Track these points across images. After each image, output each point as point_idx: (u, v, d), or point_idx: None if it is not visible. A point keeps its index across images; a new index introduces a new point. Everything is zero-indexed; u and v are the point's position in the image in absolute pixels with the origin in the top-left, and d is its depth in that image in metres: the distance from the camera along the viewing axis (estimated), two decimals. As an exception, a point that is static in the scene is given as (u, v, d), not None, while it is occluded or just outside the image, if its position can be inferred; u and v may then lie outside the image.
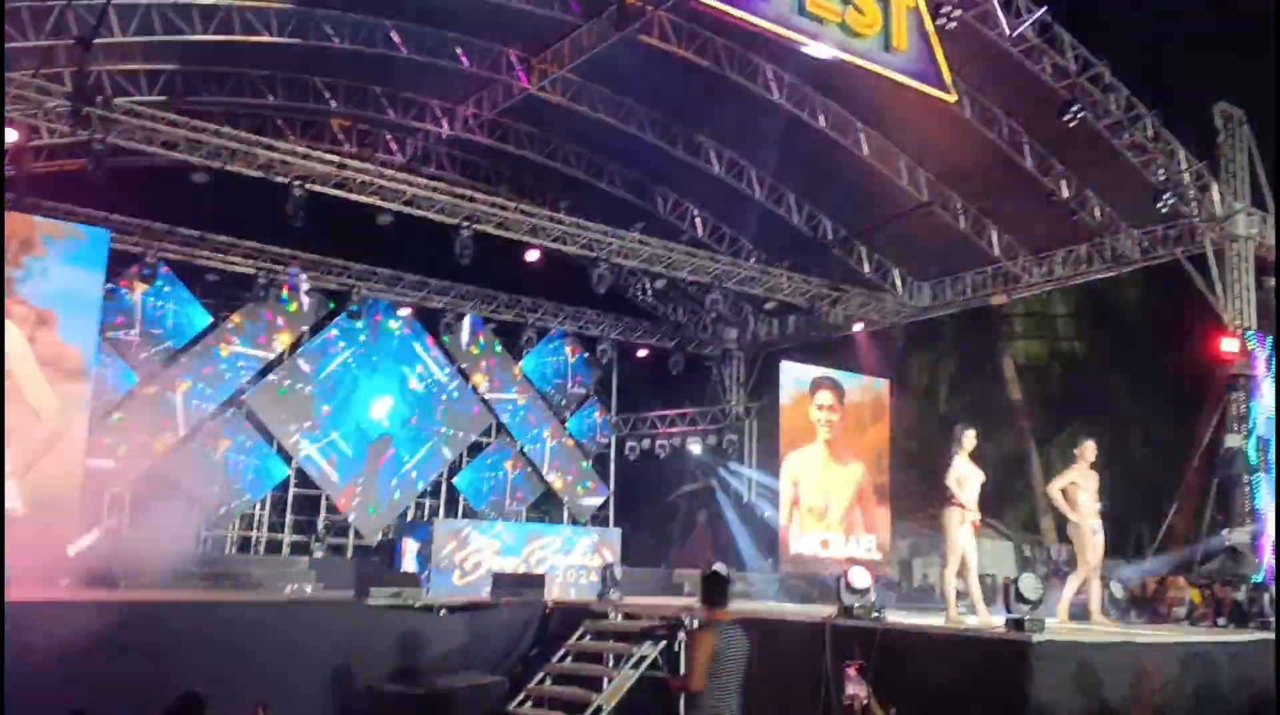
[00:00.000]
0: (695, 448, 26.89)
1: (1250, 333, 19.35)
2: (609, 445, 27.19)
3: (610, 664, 11.86)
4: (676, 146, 21.33)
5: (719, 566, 13.63)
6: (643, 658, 11.56)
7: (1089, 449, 12.72)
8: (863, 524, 24.58)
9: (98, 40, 15.24)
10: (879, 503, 24.96)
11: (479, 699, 11.65)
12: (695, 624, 7.84)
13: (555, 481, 25.72)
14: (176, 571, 12.96)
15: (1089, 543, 12.24)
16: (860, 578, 11.34)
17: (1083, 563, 12.28)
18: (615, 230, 21.68)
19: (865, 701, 9.25)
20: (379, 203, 19.10)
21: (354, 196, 18.87)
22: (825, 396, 24.53)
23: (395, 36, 18.05)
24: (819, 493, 24.13)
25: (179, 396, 20.64)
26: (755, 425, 27.20)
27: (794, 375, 24.70)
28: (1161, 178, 18.79)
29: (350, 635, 11.62)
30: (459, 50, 18.58)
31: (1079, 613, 12.44)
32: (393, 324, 23.65)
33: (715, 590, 7.86)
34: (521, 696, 12.00)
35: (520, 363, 25.74)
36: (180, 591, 12.46)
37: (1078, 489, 12.54)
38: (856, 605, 11.08)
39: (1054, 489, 12.71)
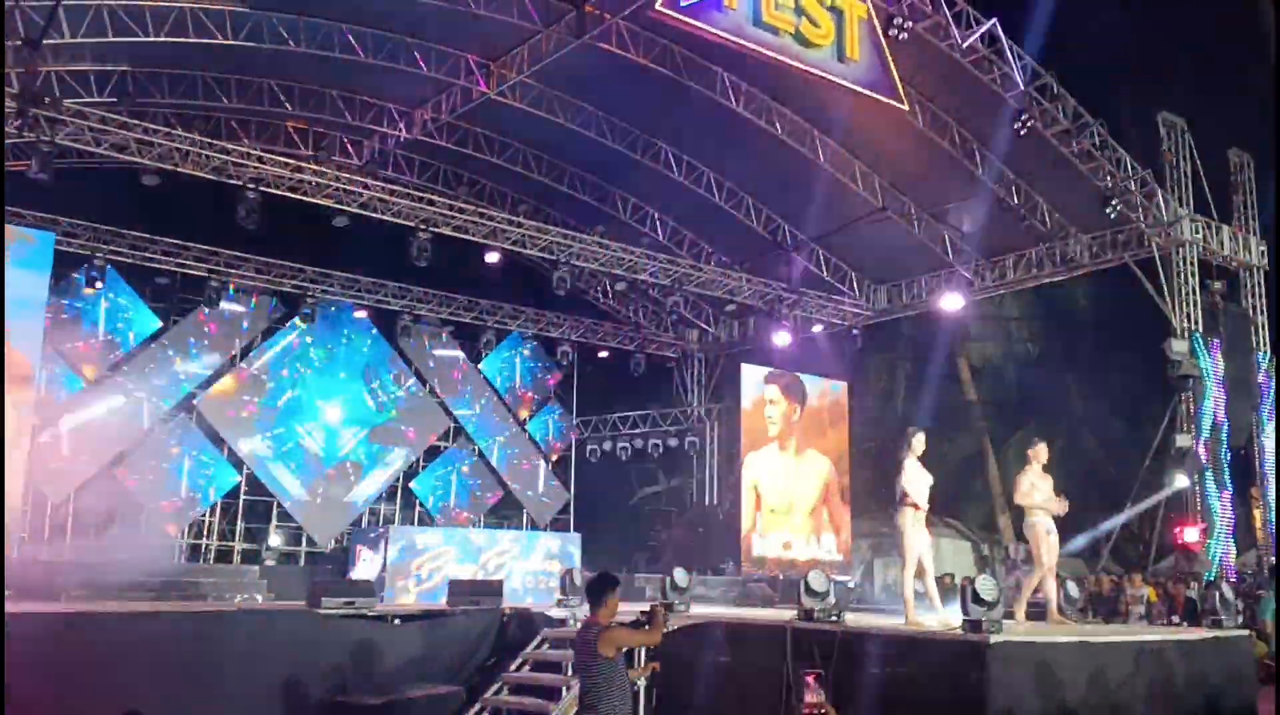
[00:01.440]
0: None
1: (1197, 335, 19.78)
2: (570, 448, 27.05)
3: (569, 673, 11.60)
4: (636, 151, 21.41)
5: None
6: (602, 665, 11.40)
7: (1041, 451, 12.55)
8: (829, 524, 24.78)
9: (46, 41, 15.03)
10: (842, 503, 25.17)
11: (434, 710, 11.47)
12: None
13: (515, 485, 25.53)
14: (123, 583, 12.67)
15: (1044, 542, 12.14)
16: (819, 581, 11.25)
17: (1039, 562, 12.20)
18: (575, 233, 21.70)
19: (824, 710, 9.25)
20: (334, 206, 19.00)
21: (309, 199, 18.77)
22: (771, 391, 24.78)
23: (352, 40, 17.94)
24: (782, 492, 24.28)
25: (127, 402, 20.32)
26: (716, 427, 27.23)
27: (754, 377, 24.85)
28: (1108, 184, 19.19)
29: (302, 646, 11.35)
30: (417, 55, 18.49)
31: (1037, 612, 12.51)
32: (348, 327, 23.41)
33: (592, 593, 7.80)
34: (478, 707, 11.77)
35: (479, 365, 25.55)
36: (125, 603, 12.17)
37: (1034, 490, 12.38)
38: (817, 608, 10.91)
39: (1024, 499, 12.55)
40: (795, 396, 25.41)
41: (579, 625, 7.86)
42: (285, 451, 22.10)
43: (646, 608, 8.13)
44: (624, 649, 7.52)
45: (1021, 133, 17.94)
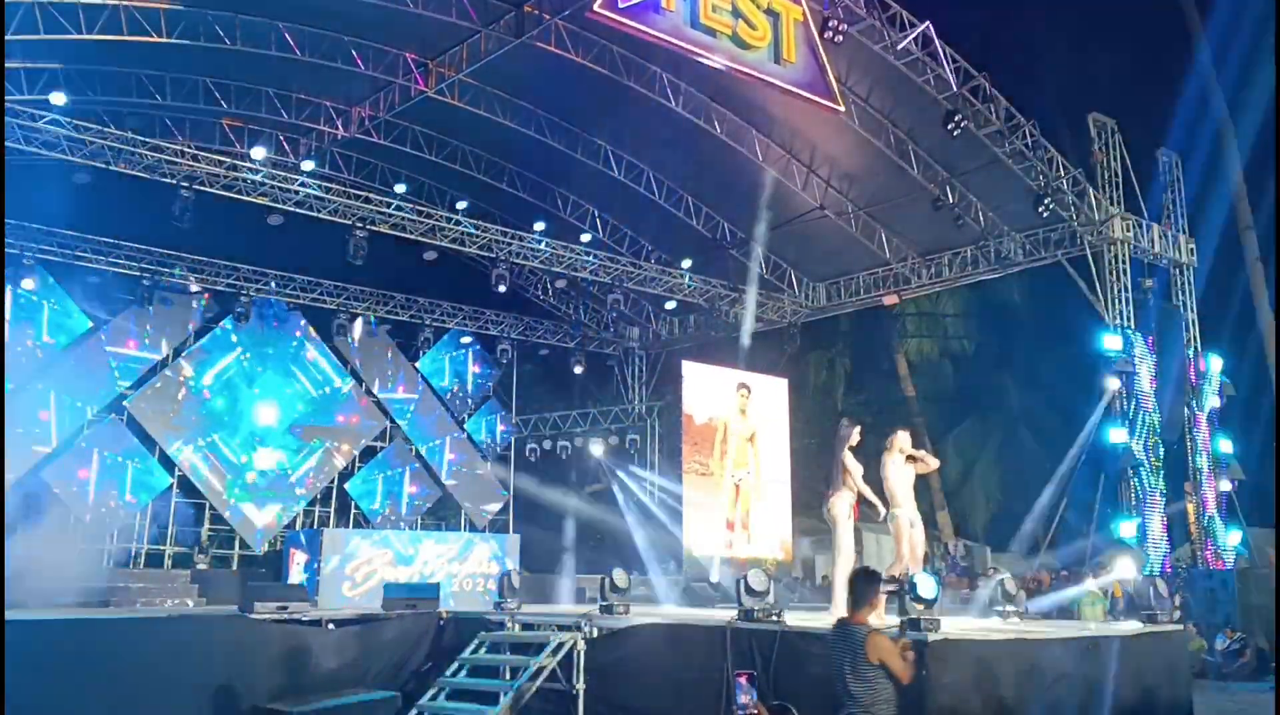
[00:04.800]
0: (596, 449, 26.64)
1: (1130, 330, 20.11)
2: (509, 447, 26.92)
3: (507, 676, 11.59)
4: (576, 150, 21.49)
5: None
6: (540, 669, 11.27)
7: (902, 439, 12.20)
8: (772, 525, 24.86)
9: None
10: (780, 501, 25.25)
11: (369, 716, 11.44)
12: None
13: (453, 486, 25.34)
14: (50, 589, 12.45)
15: (905, 535, 11.96)
16: (759, 580, 11.23)
17: (899, 557, 11.97)
18: (515, 231, 21.67)
19: (755, 711, 9.23)
20: (270, 204, 18.87)
21: (244, 197, 18.61)
22: (741, 399, 24.80)
23: (289, 38, 17.82)
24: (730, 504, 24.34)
25: (55, 403, 19.95)
26: (657, 425, 27.25)
27: (695, 375, 24.86)
28: (1041, 184, 19.48)
29: (234, 652, 11.28)
30: (354, 53, 18.42)
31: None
32: (283, 326, 23.14)
33: (857, 591, 7.57)
34: (414, 713, 11.69)
35: (417, 364, 25.36)
36: (52, 609, 11.95)
37: (898, 480, 12.09)
38: (756, 608, 10.92)
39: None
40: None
41: (835, 623, 7.55)
42: (218, 453, 21.78)
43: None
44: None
45: (955, 133, 18.17)
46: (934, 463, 12.25)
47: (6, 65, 17.04)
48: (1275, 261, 25.08)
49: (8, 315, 19.49)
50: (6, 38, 15.60)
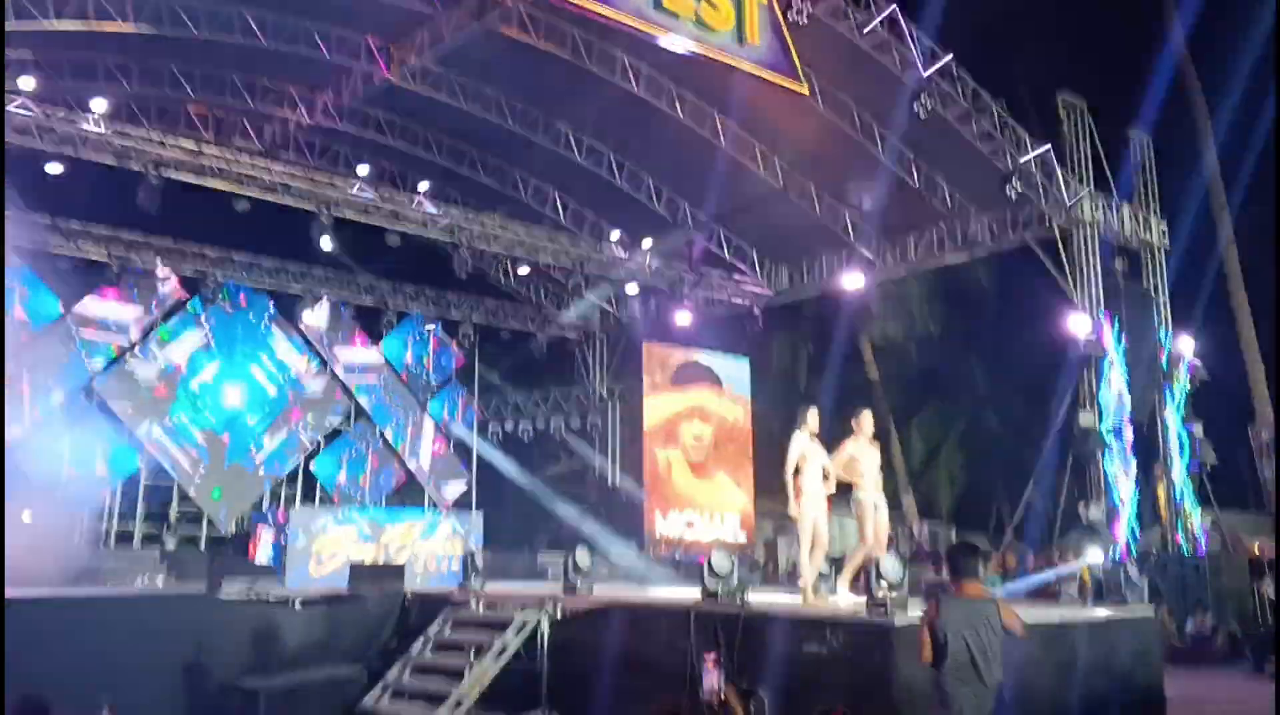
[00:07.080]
0: None
1: (1100, 312, 20.04)
2: (471, 428, 27.04)
3: (472, 655, 11.65)
4: (537, 133, 21.57)
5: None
6: (504, 647, 11.46)
7: (865, 421, 11.86)
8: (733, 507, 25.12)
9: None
10: (742, 484, 25.52)
11: (335, 692, 11.59)
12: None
13: (416, 466, 25.52)
14: (20, 568, 12.54)
15: (869, 518, 11.62)
16: (722, 561, 11.18)
17: (863, 539, 11.61)
18: (477, 214, 21.80)
19: (724, 695, 9.21)
20: (236, 189, 18.95)
21: (210, 183, 18.70)
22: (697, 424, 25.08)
23: (251, 23, 17.88)
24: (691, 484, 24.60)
25: (26, 386, 20.01)
26: (618, 407, 27.41)
27: (656, 357, 25.06)
28: (1008, 165, 19.42)
29: (202, 630, 11.42)
30: (317, 38, 18.48)
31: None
32: (249, 310, 23.20)
33: (959, 562, 7.66)
34: (380, 689, 11.89)
35: (380, 346, 25.46)
36: (21, 587, 12.06)
37: (858, 462, 11.71)
38: (720, 589, 10.93)
39: (836, 462, 11.63)
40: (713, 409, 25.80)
41: (947, 598, 7.42)
42: (185, 434, 21.82)
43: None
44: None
45: (921, 116, 18.09)
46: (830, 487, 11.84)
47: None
48: (1275, 253, 24.90)
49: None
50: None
